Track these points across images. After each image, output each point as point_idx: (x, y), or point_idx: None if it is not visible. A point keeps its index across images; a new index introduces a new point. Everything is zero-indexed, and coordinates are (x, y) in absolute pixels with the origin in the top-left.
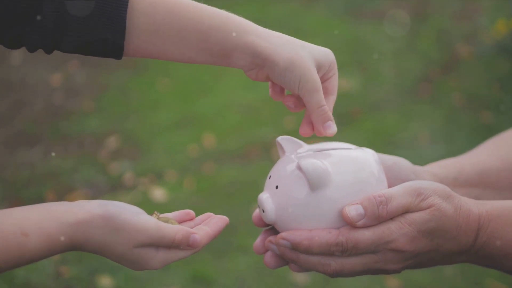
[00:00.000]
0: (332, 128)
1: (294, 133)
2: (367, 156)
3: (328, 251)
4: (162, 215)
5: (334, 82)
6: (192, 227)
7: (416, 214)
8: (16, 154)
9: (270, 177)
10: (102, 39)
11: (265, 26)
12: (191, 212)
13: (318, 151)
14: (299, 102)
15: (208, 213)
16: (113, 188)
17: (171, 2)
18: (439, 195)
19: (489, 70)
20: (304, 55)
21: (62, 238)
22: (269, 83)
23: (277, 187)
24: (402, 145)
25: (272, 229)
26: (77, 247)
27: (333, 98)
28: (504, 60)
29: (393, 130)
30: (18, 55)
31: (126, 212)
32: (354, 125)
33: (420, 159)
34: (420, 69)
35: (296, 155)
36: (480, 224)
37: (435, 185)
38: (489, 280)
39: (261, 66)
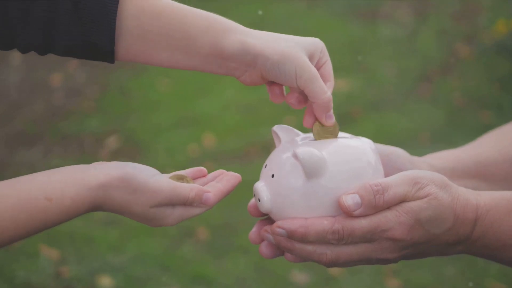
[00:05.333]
0: (333, 118)
1: None
2: (364, 145)
3: (324, 239)
4: (177, 173)
5: (328, 67)
6: (205, 184)
7: (413, 203)
8: (16, 154)
9: (265, 166)
10: (91, 42)
11: (265, 26)
12: (204, 169)
13: (314, 140)
14: (302, 97)
15: (221, 170)
16: None
17: (158, 5)
18: (436, 184)
19: (489, 70)
20: (294, 45)
21: (84, 201)
22: (267, 86)
23: (272, 175)
24: (402, 145)
25: (268, 219)
26: (98, 208)
27: (330, 84)
28: (504, 60)
29: (393, 130)
30: (17, 55)
31: (143, 174)
32: (354, 125)
33: None
34: (420, 69)
35: (292, 144)
36: (477, 214)
37: (432, 174)
38: (489, 280)
39: (253, 66)
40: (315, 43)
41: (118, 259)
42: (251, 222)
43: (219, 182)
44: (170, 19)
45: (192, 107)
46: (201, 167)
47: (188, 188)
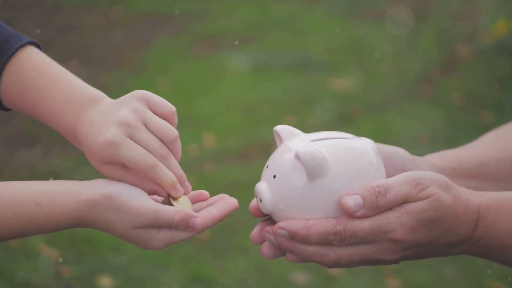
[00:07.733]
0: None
1: None
2: (365, 146)
3: (326, 240)
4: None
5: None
6: (202, 208)
7: (414, 204)
8: (16, 154)
9: (267, 166)
10: None
11: (265, 26)
12: (205, 193)
13: (316, 140)
14: None
15: (222, 195)
16: None
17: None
18: (438, 185)
19: (489, 70)
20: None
21: (70, 213)
22: None
23: (274, 176)
24: (402, 145)
25: (270, 220)
26: (82, 224)
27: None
28: (504, 60)
29: (393, 130)
30: None
31: (127, 194)
32: (354, 125)
33: None
34: (420, 69)
35: (294, 144)
36: (479, 214)
37: (434, 175)
38: (489, 280)
39: None
40: (169, 130)
41: (118, 259)
42: (251, 222)
43: (216, 207)
44: (45, 79)
45: (192, 107)
46: (203, 191)
47: (173, 211)
